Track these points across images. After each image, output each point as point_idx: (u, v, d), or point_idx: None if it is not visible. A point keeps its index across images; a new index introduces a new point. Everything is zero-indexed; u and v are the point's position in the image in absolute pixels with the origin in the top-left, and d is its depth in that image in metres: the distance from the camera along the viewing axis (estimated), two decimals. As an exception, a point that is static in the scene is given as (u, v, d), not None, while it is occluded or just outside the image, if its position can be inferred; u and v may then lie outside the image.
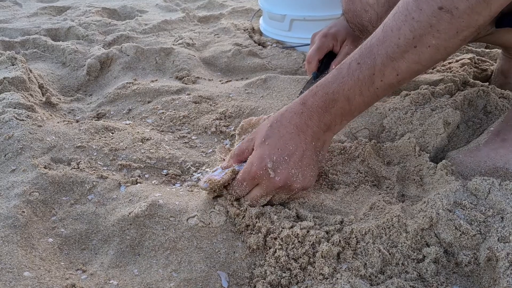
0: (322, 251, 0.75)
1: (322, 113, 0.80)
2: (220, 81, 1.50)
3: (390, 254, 0.75)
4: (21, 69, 1.34)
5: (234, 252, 0.79)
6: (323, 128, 0.82)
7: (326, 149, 0.88)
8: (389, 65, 0.74)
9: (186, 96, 1.31)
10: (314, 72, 1.13)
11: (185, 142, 1.14)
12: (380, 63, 0.73)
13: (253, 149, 0.85)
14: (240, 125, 1.08)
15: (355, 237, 0.78)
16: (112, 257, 0.79)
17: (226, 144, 1.13)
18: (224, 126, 1.19)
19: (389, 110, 1.15)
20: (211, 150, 1.12)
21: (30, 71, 1.40)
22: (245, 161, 0.87)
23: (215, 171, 0.90)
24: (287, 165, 0.80)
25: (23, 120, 1.08)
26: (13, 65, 1.37)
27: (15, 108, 1.13)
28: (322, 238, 0.77)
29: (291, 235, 0.78)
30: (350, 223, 0.81)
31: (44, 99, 1.31)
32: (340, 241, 0.77)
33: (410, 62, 0.74)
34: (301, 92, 1.10)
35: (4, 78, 1.26)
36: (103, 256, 0.79)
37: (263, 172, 0.80)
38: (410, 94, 1.20)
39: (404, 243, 0.77)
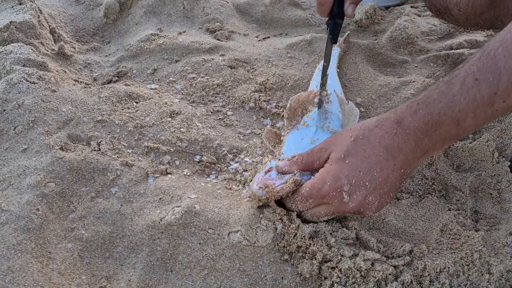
0: (391, 294, 0.63)
1: (421, 138, 0.64)
2: (256, 37, 1.31)
3: (469, 300, 0.64)
4: (30, 10, 1.15)
5: (282, 278, 0.68)
6: (418, 154, 0.66)
7: (412, 173, 0.73)
8: None
9: (220, 58, 1.13)
10: (329, 21, 0.86)
11: (220, 119, 0.99)
12: (506, 81, 0.56)
13: (325, 161, 0.71)
14: (288, 105, 0.93)
15: (428, 275, 0.66)
16: (141, 273, 0.68)
17: (267, 124, 0.98)
18: (265, 101, 1.02)
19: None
20: (249, 131, 0.97)
21: (40, 11, 1.21)
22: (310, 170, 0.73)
23: (269, 171, 0.75)
24: (365, 191, 0.66)
25: (34, 82, 0.92)
26: (20, 4, 1.18)
27: (24, 66, 0.97)
28: (390, 274, 0.66)
29: (353, 268, 0.66)
30: (421, 256, 0.69)
31: (56, 49, 1.13)
32: (411, 281, 0.65)
33: None
34: (324, 67, 0.89)
35: (11, 22, 1.08)
36: (130, 270, 0.69)
37: (336, 194, 0.67)
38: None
39: (487, 287, 0.65)
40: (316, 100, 0.91)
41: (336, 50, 1.13)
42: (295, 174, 0.72)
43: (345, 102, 0.92)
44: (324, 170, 0.70)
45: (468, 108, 0.59)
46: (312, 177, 0.71)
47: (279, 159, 0.80)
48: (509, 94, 0.56)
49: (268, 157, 0.83)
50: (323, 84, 0.90)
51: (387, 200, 0.69)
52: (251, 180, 0.78)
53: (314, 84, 1.01)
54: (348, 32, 1.25)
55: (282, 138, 0.88)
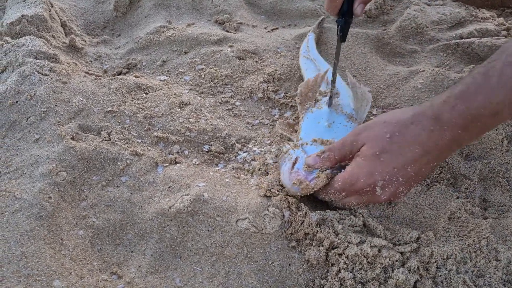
0: (397, 280, 0.63)
1: (458, 133, 0.64)
2: (265, 28, 1.31)
3: (476, 286, 0.64)
4: (41, 4, 1.17)
5: (289, 264, 0.69)
6: (453, 147, 0.67)
7: None
8: None
9: (229, 49, 1.14)
10: (339, 19, 0.85)
11: (228, 109, 1.00)
12: None
13: (356, 153, 0.71)
14: (298, 91, 0.93)
15: (435, 261, 0.66)
16: (151, 259, 0.69)
17: (275, 114, 0.99)
18: (273, 91, 1.03)
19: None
20: (257, 121, 0.97)
21: (51, 5, 1.22)
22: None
23: (295, 163, 0.76)
24: (398, 185, 0.68)
25: (46, 74, 0.94)
26: (32, -3, 1.20)
27: (36, 58, 0.98)
28: (397, 261, 0.66)
29: (360, 255, 0.66)
30: (428, 243, 0.69)
31: (67, 42, 1.15)
32: (418, 267, 0.65)
33: None
34: (335, 65, 0.88)
35: (22, 16, 1.10)
36: (140, 256, 0.70)
37: (370, 189, 0.69)
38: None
39: (494, 273, 0.65)
40: (325, 100, 0.91)
41: (312, 36, 1.14)
42: (327, 171, 0.72)
43: (357, 86, 0.92)
44: (356, 165, 0.70)
45: (506, 99, 0.59)
46: (342, 170, 0.72)
47: (297, 145, 0.81)
48: None
49: (289, 144, 0.83)
50: (333, 81, 0.90)
51: (415, 187, 0.72)
52: (266, 169, 0.83)
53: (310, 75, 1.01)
54: (323, 17, 1.25)
55: (298, 123, 0.89)
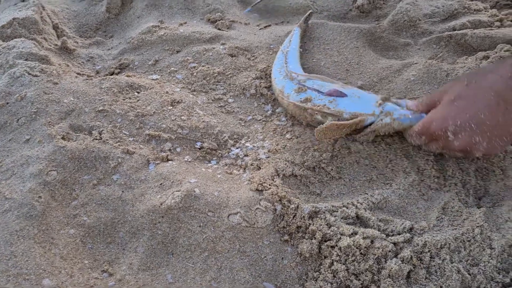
0: (391, 270, 0.63)
1: None
2: (257, 25, 1.31)
3: (470, 275, 0.63)
4: (32, 7, 1.17)
5: (282, 258, 0.68)
6: None
7: None
8: None
9: (221, 47, 1.13)
10: None
11: (221, 106, 0.99)
12: None
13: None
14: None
15: (429, 251, 0.65)
16: (142, 256, 0.69)
17: (268, 110, 0.98)
18: (265, 87, 1.02)
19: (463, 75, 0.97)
20: (250, 117, 0.97)
21: (43, 8, 1.22)
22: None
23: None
24: (472, 133, 0.69)
25: (36, 75, 0.94)
26: (23, 1, 1.20)
27: (26, 59, 0.98)
28: (390, 251, 0.65)
29: (352, 246, 0.65)
30: (421, 232, 0.68)
31: (59, 44, 1.15)
32: (411, 257, 0.64)
33: None
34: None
35: (13, 19, 1.10)
36: (131, 254, 0.69)
37: (442, 133, 0.72)
38: (487, 56, 1.01)
39: (488, 262, 0.64)
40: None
41: (297, 30, 1.14)
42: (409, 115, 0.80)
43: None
44: (434, 110, 0.75)
45: None
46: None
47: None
48: None
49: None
50: None
51: (500, 144, 0.70)
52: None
53: (277, 71, 1.01)
54: (310, 11, 1.24)
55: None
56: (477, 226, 0.67)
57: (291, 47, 1.07)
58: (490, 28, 1.15)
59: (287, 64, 1.00)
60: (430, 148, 0.79)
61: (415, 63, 1.05)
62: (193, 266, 0.67)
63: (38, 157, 0.78)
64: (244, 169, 0.83)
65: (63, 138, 0.83)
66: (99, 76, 1.07)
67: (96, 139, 0.84)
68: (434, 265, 0.64)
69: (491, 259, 0.64)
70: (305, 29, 1.20)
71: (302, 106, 0.87)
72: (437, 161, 0.82)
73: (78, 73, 1.05)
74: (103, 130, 0.87)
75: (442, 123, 0.72)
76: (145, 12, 1.33)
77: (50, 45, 1.13)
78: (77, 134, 0.85)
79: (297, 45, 1.08)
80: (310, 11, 1.24)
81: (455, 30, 1.17)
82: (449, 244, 0.66)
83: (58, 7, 1.36)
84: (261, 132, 0.92)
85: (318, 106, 0.86)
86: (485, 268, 0.64)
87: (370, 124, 0.82)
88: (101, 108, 0.91)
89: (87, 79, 1.00)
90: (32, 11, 1.15)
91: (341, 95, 0.86)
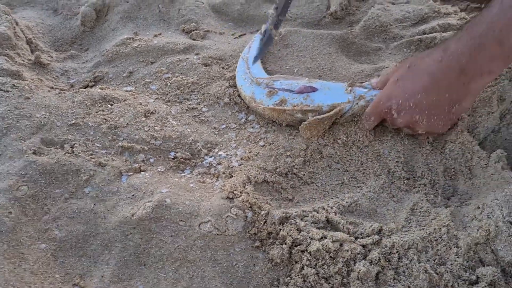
0: (359, 272, 0.63)
1: (464, 62, 0.70)
2: (232, 35, 1.32)
3: (438, 274, 0.64)
4: (5, 22, 1.16)
5: (254, 265, 0.69)
6: (463, 79, 0.72)
7: (470, 101, 0.79)
8: None
9: (195, 57, 1.14)
10: None
11: (195, 116, 1.00)
12: None
13: None
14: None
15: (397, 252, 0.66)
16: (114, 268, 0.69)
17: (242, 118, 0.99)
18: (239, 96, 1.03)
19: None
20: (224, 125, 0.97)
21: (16, 23, 1.22)
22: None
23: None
24: (411, 111, 0.77)
25: (7, 91, 0.94)
26: (-5, 17, 1.20)
27: (-2, 75, 0.98)
28: (358, 254, 0.66)
29: (322, 250, 0.66)
30: (390, 234, 0.69)
31: (33, 59, 1.15)
32: (379, 258, 0.65)
33: None
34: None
35: (-15, 35, 1.10)
36: (103, 266, 0.69)
37: (387, 111, 0.80)
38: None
39: (455, 260, 0.65)
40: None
41: (258, 37, 1.17)
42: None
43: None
44: (382, 91, 0.84)
45: (509, 27, 0.64)
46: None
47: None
48: None
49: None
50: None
51: (438, 122, 0.78)
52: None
53: (241, 78, 1.03)
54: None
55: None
56: (444, 226, 0.68)
57: (250, 53, 1.08)
58: (458, 30, 1.18)
59: (250, 70, 1.01)
60: (389, 124, 0.85)
61: (386, 67, 1.07)
62: (165, 276, 0.68)
63: (8, 173, 0.78)
64: (217, 177, 0.84)
65: (34, 153, 0.82)
66: (73, 90, 1.07)
67: (68, 153, 0.84)
68: (402, 266, 0.65)
69: (458, 257, 0.65)
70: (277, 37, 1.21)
71: (280, 109, 0.89)
72: (407, 163, 0.84)
73: (51, 87, 1.05)
74: (75, 143, 0.87)
75: (387, 101, 0.80)
76: (120, 24, 1.34)
77: (23, 60, 1.13)
78: (49, 148, 0.85)
79: (256, 51, 1.10)
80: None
81: (425, 34, 1.19)
82: (417, 244, 0.67)
83: (33, 22, 1.35)
84: (234, 140, 0.93)
85: (297, 105, 0.88)
86: (452, 266, 0.65)
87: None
88: (73, 121, 0.91)
89: (59, 93, 1.00)
90: (5, 26, 1.15)
91: (312, 90, 0.90)
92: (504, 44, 0.66)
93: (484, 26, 0.67)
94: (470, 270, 0.65)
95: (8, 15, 1.20)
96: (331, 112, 0.85)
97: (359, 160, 0.85)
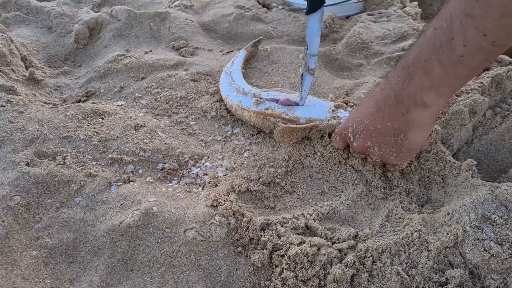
0: (335, 275, 0.67)
1: (398, 91, 0.70)
2: (220, 51, 1.37)
3: (409, 276, 0.68)
4: (0, 40, 1.21)
5: (236, 269, 0.72)
6: (401, 109, 0.71)
7: (419, 136, 0.76)
8: (469, 24, 0.58)
9: (184, 73, 1.19)
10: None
11: (183, 129, 1.04)
12: (458, 24, 0.59)
13: None
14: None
15: (371, 256, 0.70)
16: (102, 274, 0.72)
17: (228, 131, 1.03)
18: (225, 109, 1.08)
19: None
20: (211, 138, 1.02)
21: (11, 41, 1.27)
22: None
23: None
24: (363, 136, 0.79)
25: (2, 106, 0.97)
26: (-8, 34, 1.24)
27: (-7, 90, 1.02)
28: (335, 257, 0.70)
29: (300, 254, 0.70)
30: (365, 239, 0.73)
31: (27, 75, 1.19)
32: (354, 262, 0.69)
33: (497, 17, 0.55)
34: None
35: (-19, 52, 1.14)
36: (92, 272, 0.72)
37: (345, 133, 0.83)
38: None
39: (426, 263, 0.69)
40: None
41: (242, 53, 1.21)
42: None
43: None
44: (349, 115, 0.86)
45: (432, 57, 0.63)
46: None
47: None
48: (465, 37, 0.59)
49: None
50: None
51: (390, 153, 0.78)
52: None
53: (227, 88, 1.09)
54: (261, 37, 1.32)
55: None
56: (416, 231, 0.72)
57: (233, 67, 1.13)
58: (435, 47, 1.24)
59: (235, 82, 1.06)
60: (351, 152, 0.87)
61: (366, 82, 1.12)
62: (151, 280, 0.71)
63: (2, 183, 0.81)
64: (203, 187, 0.87)
65: (27, 164, 0.86)
66: (65, 104, 1.11)
67: (60, 164, 0.88)
68: (376, 269, 0.69)
69: (428, 260, 0.69)
70: (252, 52, 1.27)
71: (263, 112, 0.94)
72: (384, 173, 0.88)
73: (44, 102, 1.09)
74: (66, 155, 0.90)
75: (346, 124, 0.83)
76: (112, 42, 1.38)
77: (17, 76, 1.17)
78: (41, 160, 0.88)
79: (239, 66, 1.15)
80: (260, 37, 1.31)
81: (404, 50, 1.25)
82: (390, 248, 0.71)
83: (28, 39, 1.40)
84: (220, 152, 0.97)
85: (278, 113, 0.94)
86: (423, 269, 0.68)
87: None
88: (65, 134, 0.95)
89: (52, 107, 1.04)
90: (0, 44, 1.19)
91: (295, 104, 0.96)
92: (429, 75, 0.65)
93: (412, 56, 0.67)
94: (440, 272, 0.68)
95: (3, 33, 1.25)
96: (304, 125, 0.91)
97: (338, 170, 0.89)
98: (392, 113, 0.73)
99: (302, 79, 0.94)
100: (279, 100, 0.98)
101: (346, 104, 0.98)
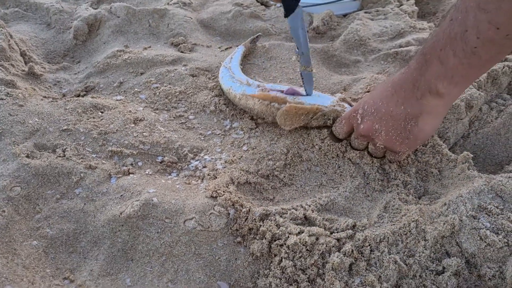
0: (333, 263, 0.68)
1: (416, 77, 0.72)
2: (219, 48, 1.38)
3: (407, 265, 0.69)
4: (0, 35, 1.21)
5: (236, 259, 0.73)
6: (416, 94, 0.73)
7: (428, 124, 0.77)
8: (483, 18, 0.60)
9: (183, 68, 1.20)
10: None
11: (182, 123, 1.05)
12: (472, 17, 0.61)
13: None
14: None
15: (369, 245, 0.71)
16: (103, 263, 0.72)
17: (226, 125, 1.04)
18: (224, 104, 1.08)
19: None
20: (209, 132, 1.02)
21: (11, 36, 1.27)
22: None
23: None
24: (372, 118, 0.79)
25: (2, 99, 0.98)
26: (-9, 30, 1.24)
27: (-7, 84, 1.02)
28: (333, 247, 0.70)
29: (299, 243, 0.70)
30: (363, 228, 0.74)
31: (27, 69, 1.19)
32: (352, 251, 0.70)
33: (510, 11, 0.57)
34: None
35: (-19, 46, 1.14)
36: (92, 262, 0.73)
37: (353, 116, 0.84)
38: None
39: (423, 252, 0.70)
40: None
41: (240, 48, 1.22)
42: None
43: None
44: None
45: (447, 46, 0.65)
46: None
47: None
48: (478, 30, 0.61)
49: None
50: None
51: (396, 138, 0.78)
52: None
53: (229, 81, 1.09)
54: (259, 34, 1.33)
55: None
56: (413, 221, 0.73)
57: (232, 63, 1.14)
58: (432, 44, 1.25)
59: (236, 75, 1.07)
60: (351, 139, 0.88)
61: (364, 78, 1.13)
62: (151, 270, 0.71)
63: (2, 174, 0.81)
64: (202, 179, 0.88)
65: (27, 156, 0.86)
66: (65, 99, 1.11)
67: (60, 156, 0.88)
68: (374, 257, 0.70)
69: (425, 249, 0.70)
70: (250, 48, 1.28)
71: (268, 95, 0.96)
72: (382, 165, 0.89)
73: (44, 96, 1.09)
74: (66, 148, 0.91)
75: (357, 106, 0.83)
76: (111, 38, 1.39)
77: (17, 71, 1.17)
78: (41, 152, 0.89)
79: (238, 61, 1.16)
80: (258, 33, 1.32)
81: (401, 47, 1.26)
82: (388, 238, 0.71)
83: (27, 36, 1.40)
84: (219, 145, 0.97)
85: (283, 97, 0.96)
86: (420, 258, 0.69)
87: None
88: (65, 127, 0.95)
89: (52, 101, 1.05)
90: (0, 39, 1.19)
91: (301, 94, 0.97)
92: (444, 64, 0.67)
93: (430, 44, 0.69)
94: (437, 261, 0.69)
95: (2, 28, 1.25)
96: (308, 106, 0.91)
97: (336, 163, 0.90)
98: (407, 97, 0.75)
99: (302, 78, 0.95)
100: (283, 90, 0.98)
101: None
